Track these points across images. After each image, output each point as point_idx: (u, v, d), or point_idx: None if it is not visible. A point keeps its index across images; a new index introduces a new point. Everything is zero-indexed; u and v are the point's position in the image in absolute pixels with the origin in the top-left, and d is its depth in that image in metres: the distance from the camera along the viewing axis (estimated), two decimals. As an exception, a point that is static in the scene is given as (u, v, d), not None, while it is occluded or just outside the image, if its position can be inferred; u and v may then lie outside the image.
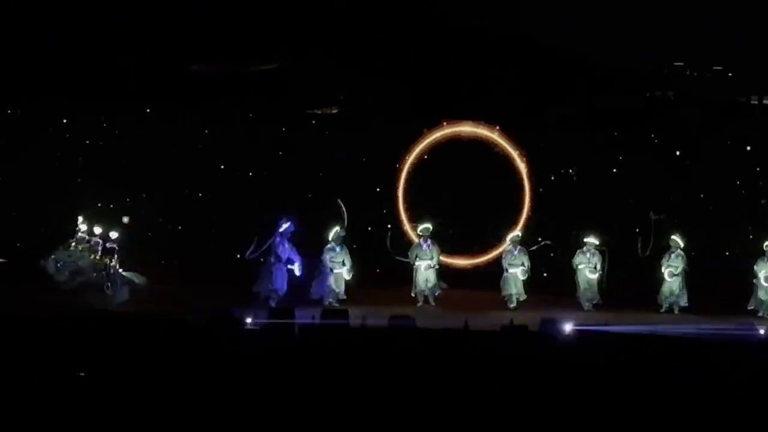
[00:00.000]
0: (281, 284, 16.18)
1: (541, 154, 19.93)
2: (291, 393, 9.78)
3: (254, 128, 19.79)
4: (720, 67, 22.97)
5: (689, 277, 16.98)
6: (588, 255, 17.13)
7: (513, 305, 17.02)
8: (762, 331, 13.65)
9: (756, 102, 22.56)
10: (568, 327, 12.65)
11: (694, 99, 22.40)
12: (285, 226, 16.31)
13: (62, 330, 11.43)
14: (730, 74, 23.02)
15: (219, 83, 21.03)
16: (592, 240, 17.20)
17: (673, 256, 16.89)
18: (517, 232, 17.73)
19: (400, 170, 19.10)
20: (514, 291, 17.10)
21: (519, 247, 17.38)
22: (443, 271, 17.60)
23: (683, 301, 16.86)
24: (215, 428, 9.22)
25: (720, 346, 12.09)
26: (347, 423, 9.15)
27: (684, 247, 16.97)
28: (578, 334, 12.50)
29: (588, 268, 17.03)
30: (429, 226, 17.34)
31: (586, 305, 17.04)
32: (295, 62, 21.44)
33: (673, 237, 16.98)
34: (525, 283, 17.17)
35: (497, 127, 19.64)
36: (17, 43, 19.49)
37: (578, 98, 20.89)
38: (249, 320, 12.35)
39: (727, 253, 18.99)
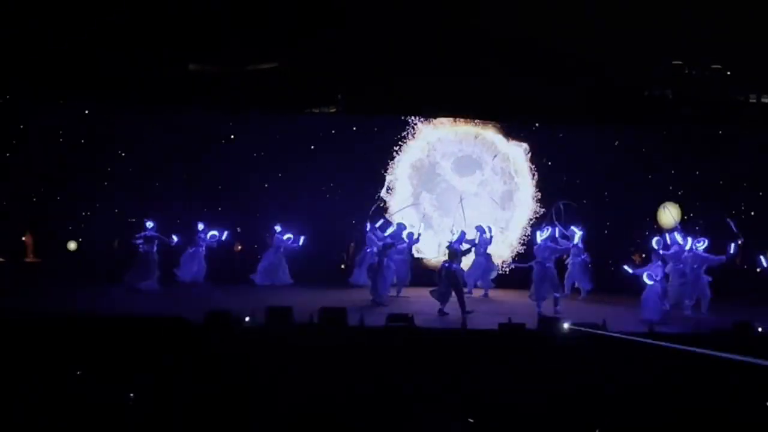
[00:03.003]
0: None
1: (539, 152, 20.02)
2: (290, 392, 9.82)
3: (252, 127, 19.81)
4: (718, 66, 22.99)
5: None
6: None
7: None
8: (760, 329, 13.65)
9: (754, 101, 22.58)
10: (565, 326, 12.67)
11: (692, 97, 22.42)
12: (401, 231, 17.37)
13: (62, 330, 11.47)
14: (728, 73, 23.03)
15: (217, 83, 21.03)
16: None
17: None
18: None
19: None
20: None
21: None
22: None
23: (587, 285, 18.11)
24: (214, 427, 9.26)
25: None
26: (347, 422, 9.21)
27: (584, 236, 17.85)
28: (576, 333, 12.52)
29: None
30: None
31: None
32: (294, 62, 21.45)
33: (571, 227, 17.69)
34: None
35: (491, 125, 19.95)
36: (14, 41, 19.46)
37: (577, 96, 20.89)
38: (246, 319, 12.37)
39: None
